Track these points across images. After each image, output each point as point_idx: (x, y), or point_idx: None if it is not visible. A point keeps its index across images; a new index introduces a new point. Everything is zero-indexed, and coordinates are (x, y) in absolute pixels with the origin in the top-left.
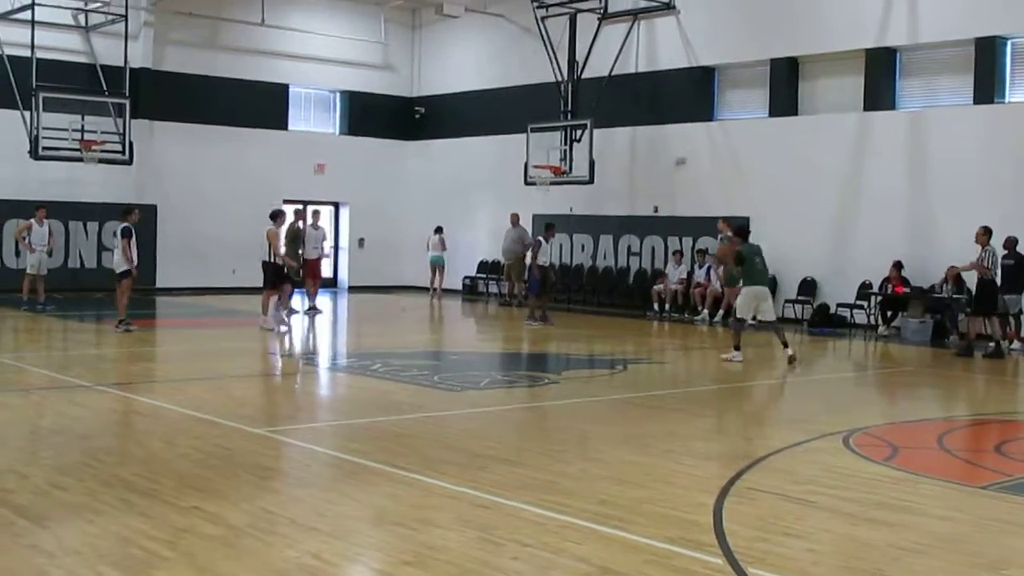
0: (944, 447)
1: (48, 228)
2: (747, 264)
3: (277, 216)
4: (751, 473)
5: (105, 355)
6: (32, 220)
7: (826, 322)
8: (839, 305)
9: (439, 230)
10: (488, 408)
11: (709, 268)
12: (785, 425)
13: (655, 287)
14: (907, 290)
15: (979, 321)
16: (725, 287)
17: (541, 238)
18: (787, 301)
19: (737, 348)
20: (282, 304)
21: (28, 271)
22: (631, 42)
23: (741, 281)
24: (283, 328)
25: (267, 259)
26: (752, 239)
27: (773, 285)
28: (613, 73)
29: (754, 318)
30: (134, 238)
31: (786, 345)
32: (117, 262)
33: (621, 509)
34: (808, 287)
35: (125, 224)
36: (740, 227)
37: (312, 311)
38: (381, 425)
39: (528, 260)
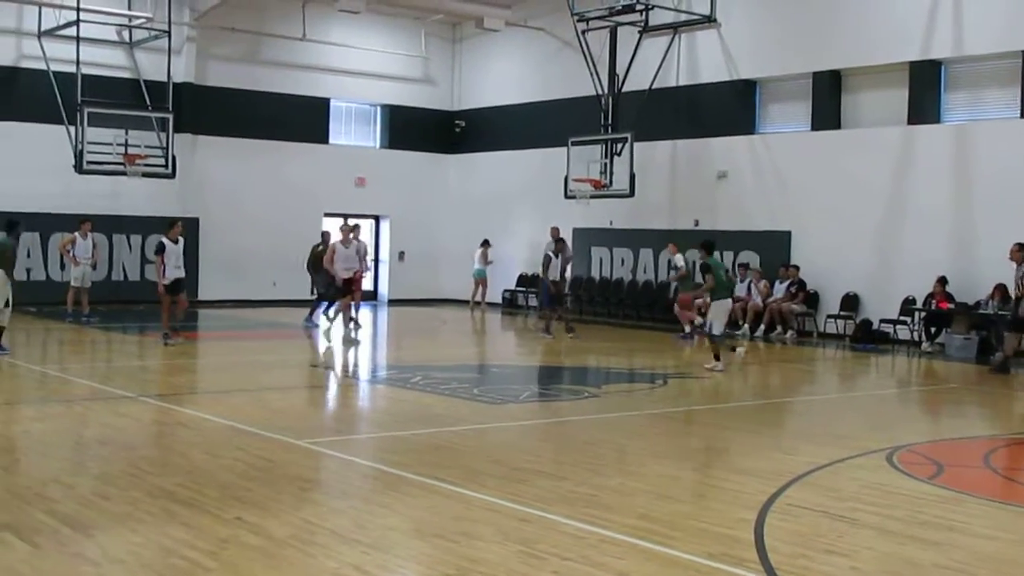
0: (990, 465)
1: (92, 241)
2: (716, 277)
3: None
4: (793, 489)
5: (148, 367)
6: (76, 233)
7: (869, 338)
8: (882, 321)
9: (485, 243)
10: (528, 421)
11: (750, 283)
12: (828, 441)
13: (696, 301)
14: (951, 306)
15: (1016, 338)
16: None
17: (550, 253)
18: (829, 316)
19: (717, 357)
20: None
21: (72, 283)
22: (672, 55)
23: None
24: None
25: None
26: (794, 253)
27: (815, 300)
28: (654, 86)
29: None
30: (171, 252)
31: (717, 357)
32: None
33: (662, 524)
34: (851, 302)
35: (160, 239)
36: (706, 242)
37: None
38: (421, 437)
39: (557, 275)
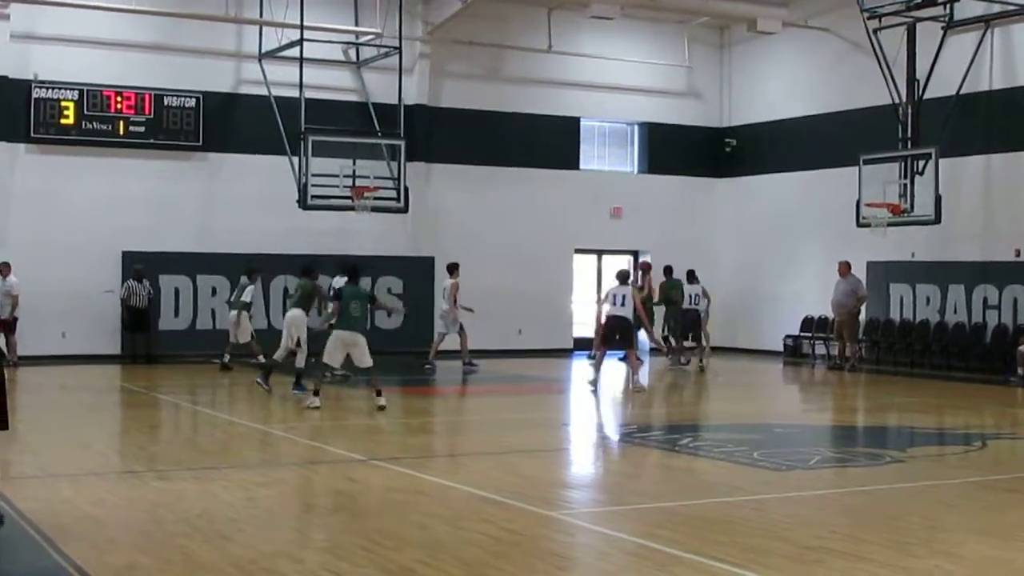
0: None
1: None
2: (344, 306)
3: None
4: None
5: (379, 426)
6: None
7: None
8: None
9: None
10: (819, 491)
11: None
12: None
13: (1020, 347)
14: None
15: None
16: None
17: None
18: None
19: (316, 393)
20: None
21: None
22: (983, 54)
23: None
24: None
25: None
26: None
27: None
28: (962, 92)
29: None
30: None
31: (379, 394)
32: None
33: None
34: None
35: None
36: (349, 266)
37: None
38: (692, 509)
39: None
